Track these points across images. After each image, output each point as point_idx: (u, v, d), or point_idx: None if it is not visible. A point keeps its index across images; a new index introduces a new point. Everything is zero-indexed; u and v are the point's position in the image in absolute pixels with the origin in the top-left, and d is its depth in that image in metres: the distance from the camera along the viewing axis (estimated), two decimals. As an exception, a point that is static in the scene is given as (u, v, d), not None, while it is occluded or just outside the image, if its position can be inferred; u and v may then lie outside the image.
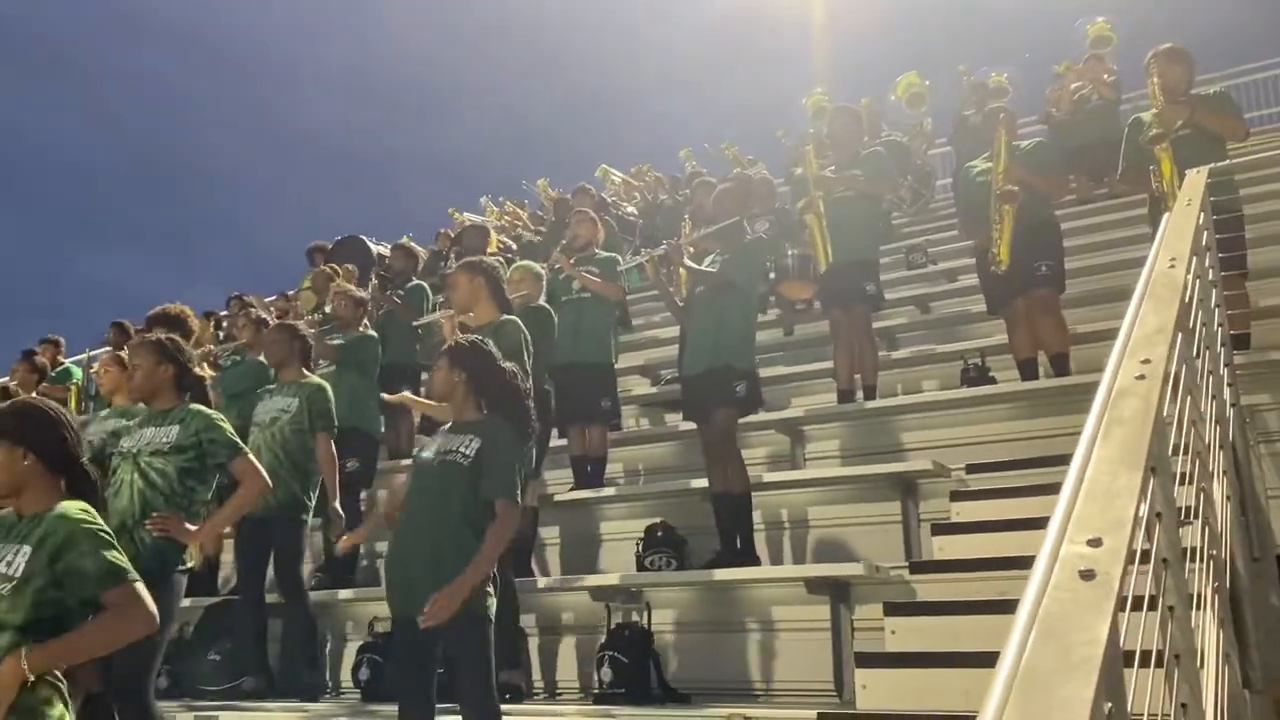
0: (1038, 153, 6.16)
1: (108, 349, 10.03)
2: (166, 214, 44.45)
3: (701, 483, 5.42)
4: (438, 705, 3.53)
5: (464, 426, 3.73)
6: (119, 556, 2.64)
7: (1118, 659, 1.44)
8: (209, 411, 4.14)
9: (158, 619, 2.69)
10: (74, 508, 2.67)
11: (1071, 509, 1.85)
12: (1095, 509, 1.66)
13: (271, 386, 5.76)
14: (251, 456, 4.17)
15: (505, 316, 5.00)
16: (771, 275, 6.68)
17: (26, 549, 2.58)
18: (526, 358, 4.81)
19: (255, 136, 45.51)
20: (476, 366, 3.74)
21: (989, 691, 1.37)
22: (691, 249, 6.04)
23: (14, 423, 2.78)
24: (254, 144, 45.50)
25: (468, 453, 3.60)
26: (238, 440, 4.12)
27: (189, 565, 3.97)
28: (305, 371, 5.68)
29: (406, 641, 3.58)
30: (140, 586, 2.63)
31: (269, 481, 4.22)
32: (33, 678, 2.48)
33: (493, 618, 3.53)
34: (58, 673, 2.59)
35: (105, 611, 2.59)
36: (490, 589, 3.53)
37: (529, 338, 4.93)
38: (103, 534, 2.65)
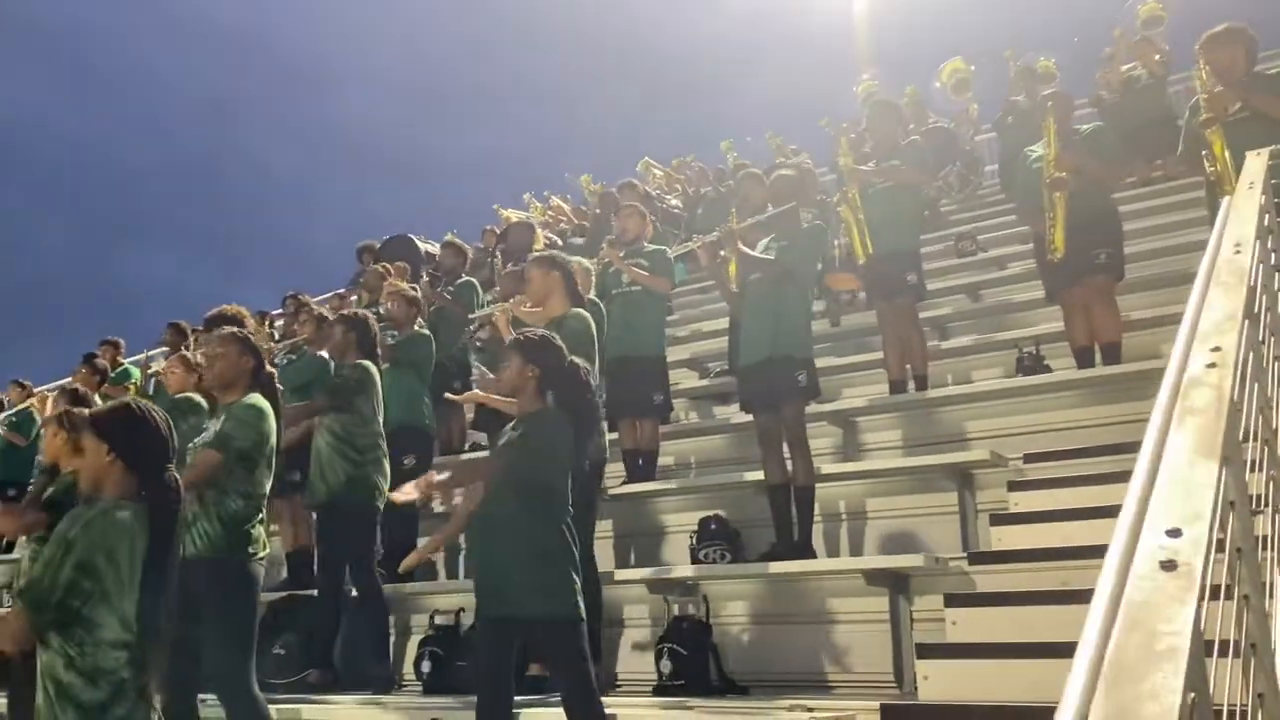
0: (1096, 138, 6.09)
1: (163, 349, 10.25)
2: (211, 214, 45.07)
3: (754, 475, 5.43)
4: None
5: (521, 420, 3.73)
6: (48, 587, 2.67)
7: (1200, 649, 1.44)
8: (255, 403, 4.22)
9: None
10: (110, 515, 2.76)
11: (1145, 498, 1.85)
12: (1174, 499, 1.66)
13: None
14: (210, 458, 4.12)
15: (573, 309, 5.02)
16: (819, 266, 6.66)
17: None
18: (594, 351, 4.84)
19: (298, 137, 46.04)
20: (548, 361, 3.72)
21: (1069, 681, 1.38)
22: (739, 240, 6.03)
23: (107, 419, 2.92)
24: (297, 144, 46.03)
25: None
26: (232, 437, 4.14)
27: (260, 555, 4.09)
28: (366, 361, 5.72)
29: (489, 642, 3.58)
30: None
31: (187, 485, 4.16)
32: None
33: (584, 617, 3.54)
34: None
35: None
36: (579, 588, 3.53)
37: (595, 331, 4.97)
38: (68, 550, 2.69)
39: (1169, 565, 1.48)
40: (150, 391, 9.12)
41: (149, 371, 9.17)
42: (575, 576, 3.54)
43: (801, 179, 5.95)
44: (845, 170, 6.41)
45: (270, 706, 4.20)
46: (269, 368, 4.48)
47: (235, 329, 4.54)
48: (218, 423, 4.21)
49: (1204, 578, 1.47)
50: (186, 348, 8.88)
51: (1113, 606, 1.55)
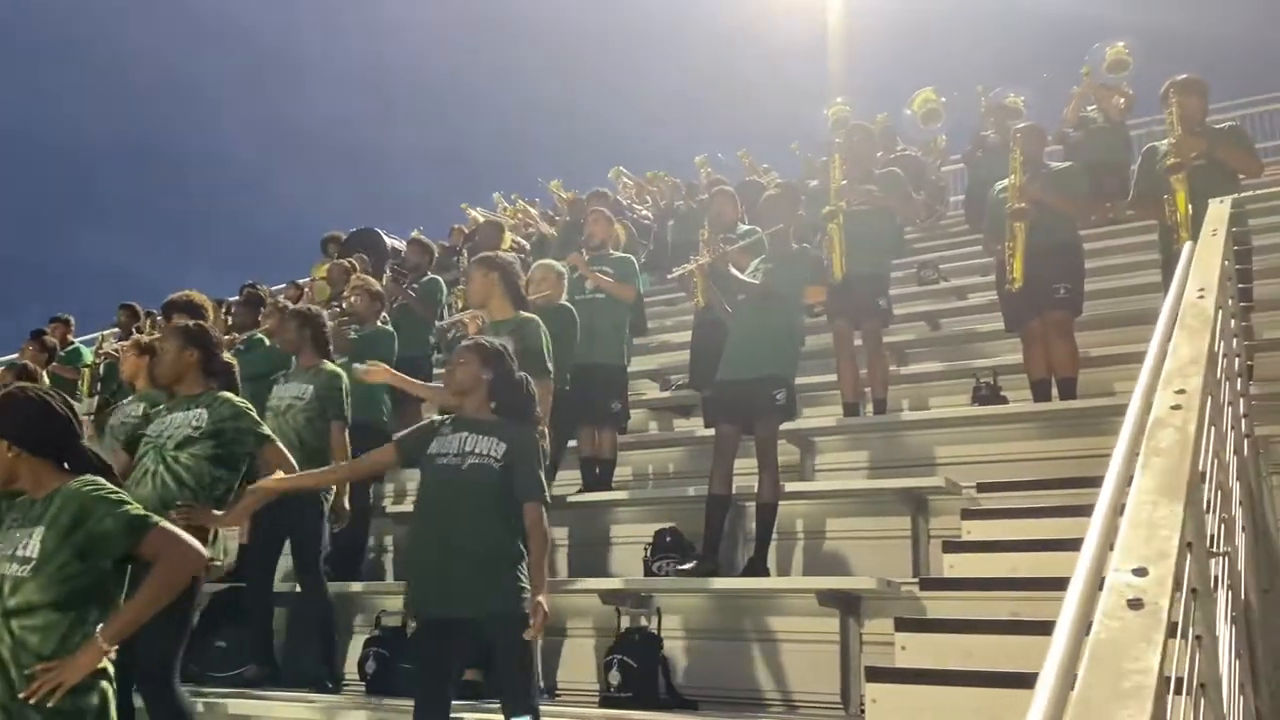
0: (1066, 176, 6.22)
1: (116, 330, 10.07)
2: (167, 197, 44.51)
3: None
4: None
5: (483, 426, 3.75)
6: (137, 507, 2.71)
7: (1163, 688, 1.46)
8: (236, 399, 4.19)
9: (202, 549, 2.80)
10: (79, 482, 2.73)
11: (1108, 536, 1.88)
12: (1139, 539, 1.68)
13: (285, 371, 5.79)
14: (280, 444, 4.24)
15: (525, 315, 4.99)
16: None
17: (40, 529, 2.63)
18: (548, 359, 4.82)
19: (259, 123, 45.61)
20: (501, 370, 3.80)
21: (1030, 715, 1.39)
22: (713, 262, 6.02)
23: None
24: (257, 131, 45.60)
25: (497, 455, 3.65)
26: (264, 428, 4.18)
27: (219, 562, 4.03)
28: (322, 359, 5.69)
29: (433, 643, 3.62)
30: (169, 525, 2.72)
31: (297, 468, 4.24)
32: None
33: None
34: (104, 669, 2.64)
35: (155, 565, 2.67)
36: (528, 588, 3.57)
37: (549, 339, 4.95)
38: (113, 495, 2.71)
39: (1136, 604, 1.49)
40: (102, 373, 8.97)
41: (101, 352, 9.00)
42: (524, 575, 3.60)
43: (794, 197, 5.97)
44: (835, 189, 6.46)
45: (199, 700, 4.13)
46: (228, 358, 4.41)
47: (187, 321, 4.46)
48: (196, 414, 4.12)
49: (1169, 617, 1.50)
50: (138, 329, 8.74)
51: (1075, 642, 1.56)
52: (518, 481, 3.63)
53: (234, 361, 4.49)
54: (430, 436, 3.80)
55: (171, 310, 5.81)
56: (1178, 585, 1.87)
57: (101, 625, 2.60)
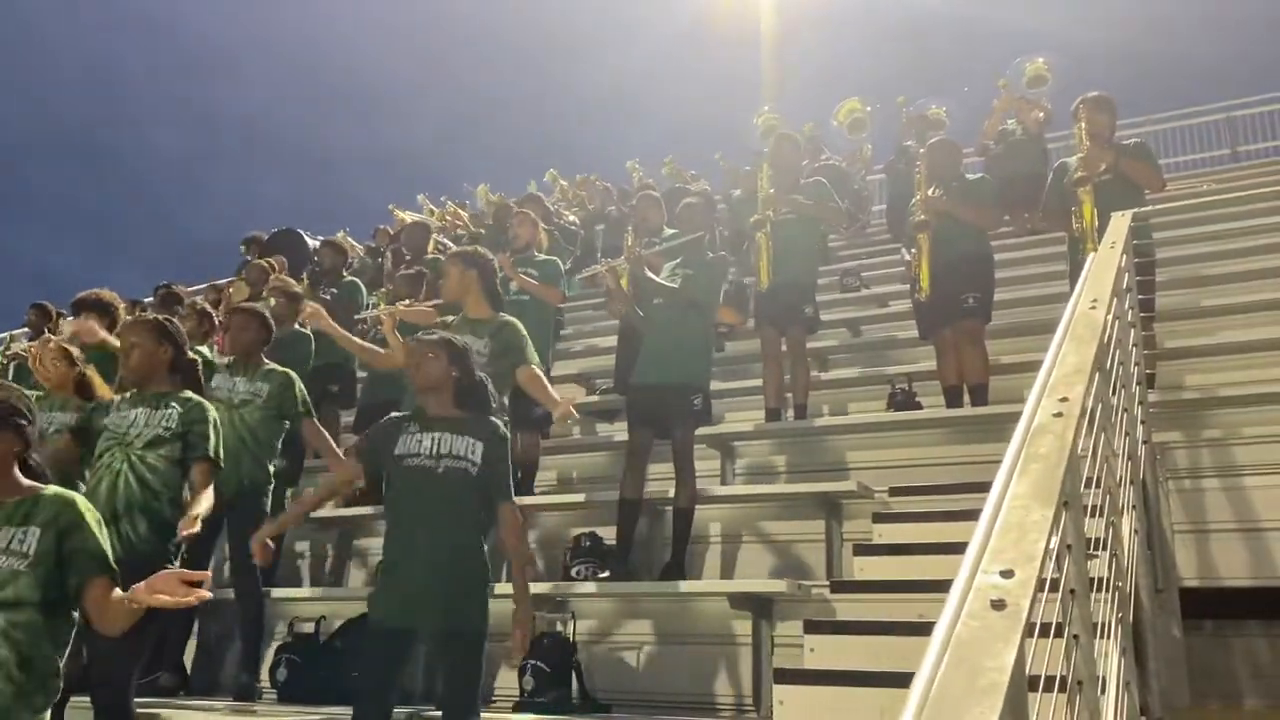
0: (976, 188, 6.37)
1: (26, 330, 9.76)
2: (89, 193, 43.34)
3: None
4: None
5: (455, 425, 3.59)
6: (106, 543, 2.76)
7: (1023, 685, 1.51)
8: (207, 404, 4.10)
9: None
10: (69, 493, 2.73)
11: (987, 540, 1.94)
12: (1009, 542, 1.73)
13: (220, 366, 5.59)
14: (209, 475, 4.03)
15: (505, 317, 4.98)
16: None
17: (35, 529, 2.63)
18: (530, 348, 4.87)
19: (191, 120, 44.65)
20: (466, 370, 3.70)
21: (902, 712, 1.43)
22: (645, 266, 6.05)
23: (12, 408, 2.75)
24: (189, 127, 44.63)
25: (474, 457, 3.52)
26: (213, 441, 4.05)
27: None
28: (267, 359, 5.56)
29: (385, 651, 3.46)
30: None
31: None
32: None
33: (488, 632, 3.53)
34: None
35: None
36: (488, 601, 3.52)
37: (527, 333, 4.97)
38: (99, 522, 2.75)
39: (999, 605, 1.54)
40: (11, 375, 8.68)
41: (9, 353, 8.71)
42: (490, 589, 3.57)
43: (710, 206, 6.05)
44: (764, 198, 6.54)
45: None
46: (192, 355, 4.31)
47: (157, 316, 4.33)
48: (165, 414, 4.00)
49: (1032, 617, 1.55)
50: (50, 329, 8.49)
51: (945, 642, 1.61)
52: (493, 484, 3.54)
53: (198, 359, 4.36)
54: (394, 436, 3.61)
55: (81, 309, 5.68)
56: (1054, 587, 1.94)
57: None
